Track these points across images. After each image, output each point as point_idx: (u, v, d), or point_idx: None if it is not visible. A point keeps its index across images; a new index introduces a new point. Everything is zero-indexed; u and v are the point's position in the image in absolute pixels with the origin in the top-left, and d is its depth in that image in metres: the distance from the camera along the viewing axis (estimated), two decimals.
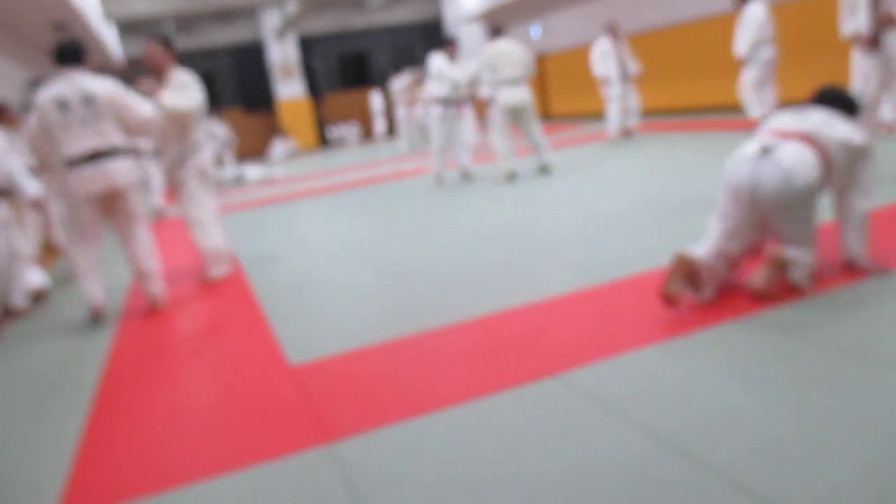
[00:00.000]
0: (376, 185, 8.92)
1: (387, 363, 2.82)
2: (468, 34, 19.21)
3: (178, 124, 4.52)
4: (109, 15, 14.42)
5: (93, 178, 3.85)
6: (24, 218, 5.54)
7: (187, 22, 17.59)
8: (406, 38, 20.59)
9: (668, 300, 2.78)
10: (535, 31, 16.52)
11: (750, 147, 2.85)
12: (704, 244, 2.91)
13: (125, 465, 2.30)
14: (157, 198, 8.90)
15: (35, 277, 4.95)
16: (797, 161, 2.70)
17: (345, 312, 3.59)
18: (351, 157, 14.37)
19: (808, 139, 2.78)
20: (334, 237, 5.83)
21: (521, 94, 7.15)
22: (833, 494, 1.58)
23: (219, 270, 4.78)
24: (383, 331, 3.15)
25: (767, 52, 7.33)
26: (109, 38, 14.66)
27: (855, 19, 5.23)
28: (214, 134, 11.91)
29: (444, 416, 2.26)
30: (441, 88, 7.55)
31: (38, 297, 4.90)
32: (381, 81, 18.54)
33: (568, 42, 14.87)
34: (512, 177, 7.25)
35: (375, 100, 17.50)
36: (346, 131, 18.96)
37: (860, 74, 5.32)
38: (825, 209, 2.97)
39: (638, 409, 2.09)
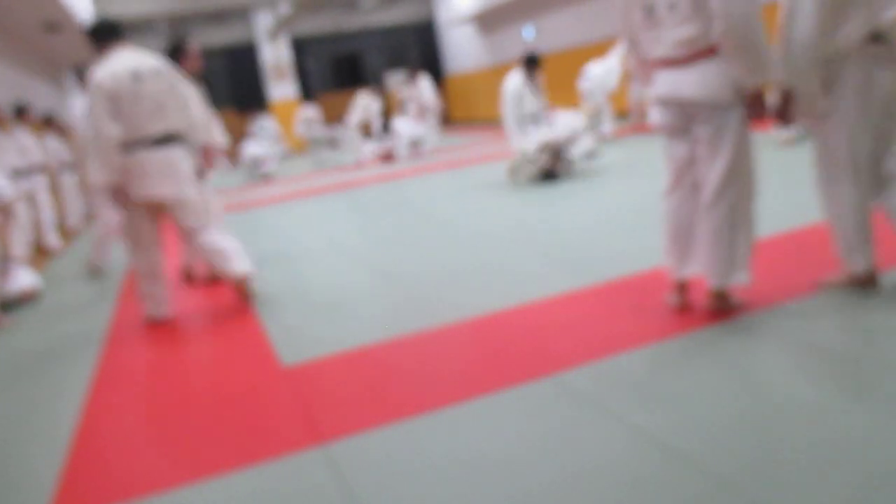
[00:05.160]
0: (370, 186, 8.92)
1: (380, 364, 2.82)
2: (460, 36, 19.22)
3: None
4: (102, 15, 14.38)
5: None
6: (15, 218, 5.50)
7: (180, 22, 17.56)
8: (399, 40, 20.59)
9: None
10: (528, 32, 16.53)
11: None
12: None
13: (117, 466, 2.29)
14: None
15: (26, 278, 4.93)
16: None
17: (338, 313, 3.58)
18: (347, 159, 14.35)
19: None
20: (327, 237, 5.82)
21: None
22: (830, 499, 1.59)
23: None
24: (377, 331, 3.15)
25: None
26: None
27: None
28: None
29: (437, 417, 2.26)
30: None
31: (30, 298, 4.88)
32: (376, 84, 18.45)
33: (561, 43, 14.89)
34: None
35: (373, 103, 17.37)
36: (339, 133, 18.89)
37: None
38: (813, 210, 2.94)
39: (631, 410, 2.10)
